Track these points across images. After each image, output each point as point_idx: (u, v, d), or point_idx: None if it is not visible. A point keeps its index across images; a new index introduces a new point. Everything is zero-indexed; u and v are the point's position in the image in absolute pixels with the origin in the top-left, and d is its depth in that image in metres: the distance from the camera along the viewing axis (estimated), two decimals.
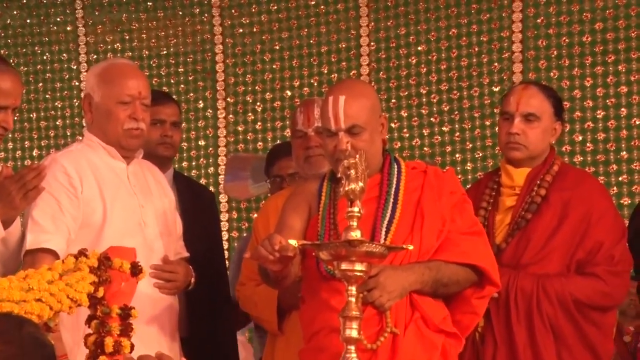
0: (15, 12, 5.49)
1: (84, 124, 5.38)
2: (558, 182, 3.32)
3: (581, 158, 4.51)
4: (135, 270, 2.40)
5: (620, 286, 3.24)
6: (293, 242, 2.67)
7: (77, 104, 5.43)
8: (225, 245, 4.96)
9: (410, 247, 2.77)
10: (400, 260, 2.92)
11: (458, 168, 4.64)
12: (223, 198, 5.14)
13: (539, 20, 4.57)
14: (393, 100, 4.84)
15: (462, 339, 2.94)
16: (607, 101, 4.50)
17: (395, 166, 3.05)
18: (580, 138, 4.52)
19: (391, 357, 2.85)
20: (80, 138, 5.12)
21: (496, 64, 4.64)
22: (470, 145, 4.70)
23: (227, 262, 4.34)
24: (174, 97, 4.45)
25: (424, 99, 4.78)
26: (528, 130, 3.29)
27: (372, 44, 4.88)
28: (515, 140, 3.30)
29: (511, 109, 3.32)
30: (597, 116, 4.51)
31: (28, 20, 5.51)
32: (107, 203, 3.09)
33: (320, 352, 2.91)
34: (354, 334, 2.65)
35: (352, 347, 2.66)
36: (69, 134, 5.46)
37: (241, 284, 3.48)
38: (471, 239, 2.99)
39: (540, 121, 3.29)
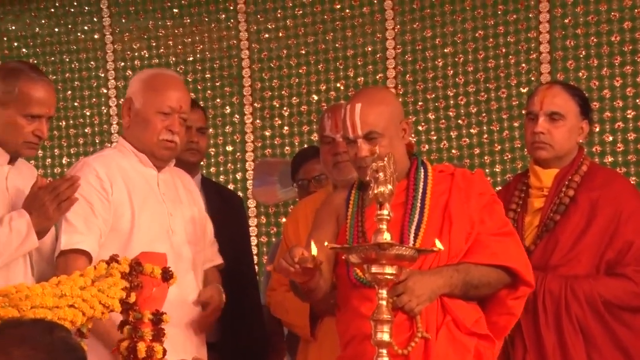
0: (43, 21, 5.53)
1: (113, 131, 5.42)
2: (586, 182, 3.30)
3: (612, 158, 4.47)
4: (167, 275, 2.41)
5: None
6: (314, 250, 2.68)
7: (105, 111, 5.46)
8: (254, 251, 4.96)
9: (441, 248, 2.76)
10: (430, 264, 2.92)
11: (487, 170, 4.62)
12: (251, 203, 5.14)
13: (566, 21, 4.54)
14: (420, 103, 4.82)
15: (496, 341, 2.93)
16: (637, 100, 4.46)
17: (422, 170, 3.05)
18: (611, 138, 4.48)
19: (424, 354, 2.85)
20: (109, 145, 5.19)
21: (524, 65, 4.61)
22: (499, 147, 4.68)
23: (255, 267, 4.35)
24: (200, 103, 4.47)
25: (451, 101, 4.76)
26: (553, 129, 3.28)
27: (398, 47, 4.87)
28: (540, 140, 3.29)
29: (535, 109, 3.32)
30: (628, 116, 4.47)
31: (56, 29, 5.55)
32: (136, 209, 3.11)
33: (355, 359, 2.92)
34: (385, 337, 2.64)
35: (384, 351, 2.65)
36: (97, 141, 5.49)
37: (272, 289, 3.48)
38: (501, 239, 2.98)
39: (565, 120, 3.29)
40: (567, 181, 3.31)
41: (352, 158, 3.03)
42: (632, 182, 3.89)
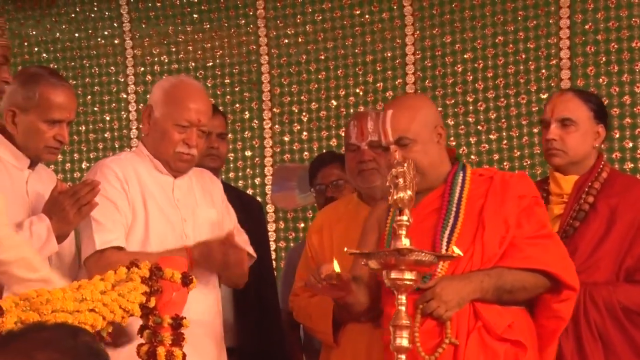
0: (63, 26, 5.56)
1: (132, 136, 5.45)
2: (606, 189, 3.29)
3: (632, 165, 4.45)
4: (186, 280, 2.41)
5: None
6: (336, 267, 2.70)
7: (124, 116, 5.48)
8: (273, 255, 4.96)
9: (460, 254, 2.76)
10: (462, 269, 2.92)
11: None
12: (270, 208, 5.15)
13: (587, 27, 4.52)
14: (439, 109, 4.80)
15: (528, 347, 2.90)
16: None
17: (461, 175, 3.05)
18: (631, 145, 4.46)
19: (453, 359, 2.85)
20: (129, 150, 5.21)
21: (544, 70, 4.60)
22: (518, 153, 4.66)
23: (275, 272, 4.35)
24: (220, 108, 4.47)
25: (471, 107, 4.75)
26: (565, 135, 3.29)
27: (417, 52, 4.87)
28: (553, 147, 3.30)
29: (547, 116, 3.34)
30: None
31: (76, 34, 5.58)
32: (150, 214, 3.12)
33: None
34: (404, 342, 2.65)
35: (403, 357, 2.65)
36: (117, 146, 5.51)
37: (295, 295, 3.48)
38: (539, 242, 2.96)
39: (577, 125, 3.29)
40: (587, 188, 3.30)
41: (386, 165, 3.05)
42: None
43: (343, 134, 3.76)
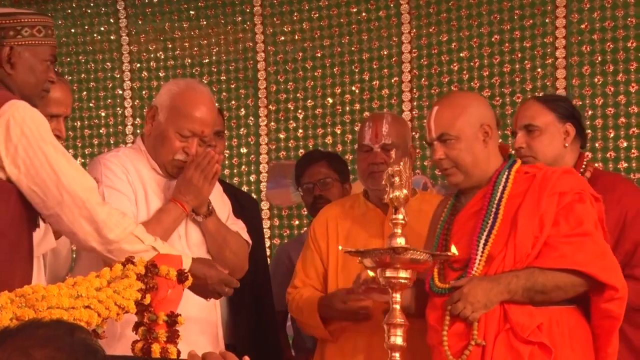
0: (59, 22, 5.55)
1: (127, 132, 5.44)
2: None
3: (626, 164, 4.46)
4: (182, 277, 2.41)
5: None
6: (371, 273, 2.73)
7: (120, 112, 5.48)
8: (267, 252, 4.97)
9: (455, 254, 2.77)
10: (495, 270, 2.91)
11: None
12: (265, 205, 5.15)
13: (582, 26, 4.53)
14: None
15: (552, 350, 2.86)
16: None
17: (505, 174, 3.04)
18: (625, 144, 4.47)
19: None
20: (124, 146, 5.20)
21: (539, 70, 4.61)
22: (513, 151, 4.67)
23: (269, 271, 4.36)
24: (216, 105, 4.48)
25: None
26: (530, 141, 3.36)
27: (413, 50, 4.87)
28: (522, 154, 3.34)
29: (514, 127, 3.43)
30: None
31: (72, 30, 5.58)
32: (151, 211, 3.12)
33: None
34: (398, 341, 2.65)
35: (397, 355, 2.66)
36: (112, 142, 5.51)
37: (293, 287, 3.48)
38: (575, 241, 2.91)
39: (540, 129, 3.35)
40: None
41: (434, 163, 3.12)
42: (637, 185, 3.87)
43: (357, 133, 3.75)
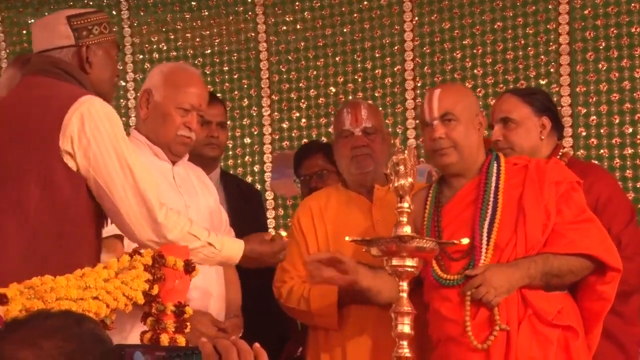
0: None
1: (131, 124, 5.44)
2: None
3: (632, 150, 4.45)
4: (189, 267, 2.42)
5: (631, 270, 3.24)
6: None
7: (123, 104, 5.47)
8: None
9: (466, 242, 2.79)
10: (507, 258, 2.95)
11: None
12: (269, 195, 5.15)
13: (586, 12, 4.52)
14: None
15: (579, 331, 2.93)
16: None
17: (495, 165, 3.08)
18: (631, 130, 4.46)
19: (506, 355, 2.87)
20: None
21: (543, 56, 4.59)
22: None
23: None
24: (218, 95, 4.47)
25: None
26: (507, 133, 3.43)
27: (416, 38, 4.86)
28: (500, 147, 3.40)
29: (491, 120, 3.50)
30: None
31: None
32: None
33: None
34: (405, 329, 2.67)
35: (405, 343, 2.67)
36: None
37: (282, 282, 3.46)
38: (580, 227, 3.00)
39: (517, 122, 3.43)
40: None
41: (428, 146, 3.12)
42: (609, 172, 3.89)
43: (333, 122, 3.75)
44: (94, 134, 2.60)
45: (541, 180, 3.02)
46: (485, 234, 2.95)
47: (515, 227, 2.96)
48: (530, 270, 2.91)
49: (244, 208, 3.84)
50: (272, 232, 2.95)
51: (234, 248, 2.83)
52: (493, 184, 3.04)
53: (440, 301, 2.99)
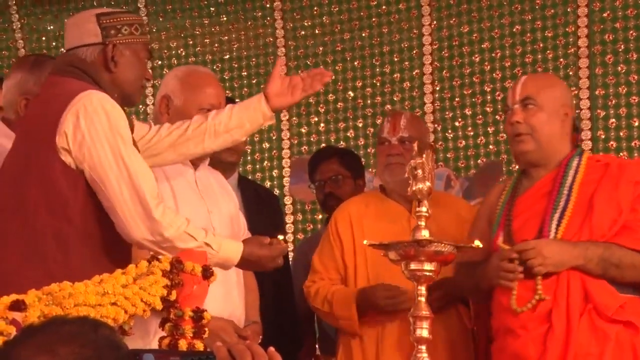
0: None
1: None
2: None
3: None
4: (207, 273, 2.42)
5: None
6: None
7: (142, 109, 5.49)
8: (290, 247, 4.98)
9: (479, 246, 2.77)
10: None
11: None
12: (288, 200, 5.15)
13: (605, 15, 4.49)
14: (457, 99, 4.80)
15: None
16: None
17: (576, 160, 3.06)
18: None
19: (564, 348, 2.85)
20: None
21: (562, 59, 4.57)
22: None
23: (291, 266, 4.37)
24: (237, 101, 4.47)
25: (489, 97, 4.74)
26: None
27: (434, 42, 4.85)
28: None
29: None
30: None
31: None
32: (180, 206, 3.13)
33: (501, 352, 2.97)
34: (424, 333, 2.66)
35: (423, 347, 2.66)
36: None
37: (312, 281, 3.50)
38: None
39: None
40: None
41: (507, 130, 3.12)
42: None
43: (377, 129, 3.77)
44: (89, 128, 2.58)
45: (620, 177, 2.99)
46: (554, 228, 2.94)
47: (582, 223, 2.94)
48: (588, 251, 2.87)
49: (261, 213, 3.84)
50: (280, 237, 2.92)
51: (233, 250, 2.76)
52: (570, 178, 3.01)
53: (502, 292, 2.98)
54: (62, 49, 5.60)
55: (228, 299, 3.17)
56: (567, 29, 4.56)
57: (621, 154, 4.41)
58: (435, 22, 4.84)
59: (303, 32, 5.14)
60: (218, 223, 3.20)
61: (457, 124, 4.77)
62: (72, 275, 2.26)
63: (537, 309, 2.88)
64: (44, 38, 5.65)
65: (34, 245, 2.52)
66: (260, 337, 3.31)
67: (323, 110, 5.11)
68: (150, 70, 5.39)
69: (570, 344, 2.84)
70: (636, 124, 4.42)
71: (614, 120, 4.44)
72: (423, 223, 2.68)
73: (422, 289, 2.68)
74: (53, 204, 2.55)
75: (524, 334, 2.88)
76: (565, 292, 2.88)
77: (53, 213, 2.55)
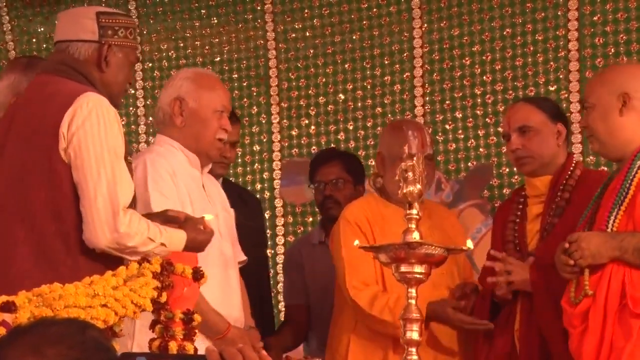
0: None
1: (140, 132, 5.45)
2: (580, 184, 3.40)
3: None
4: (197, 275, 2.42)
5: None
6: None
7: (133, 111, 5.49)
8: (281, 250, 4.98)
9: (470, 247, 2.78)
10: None
11: (515, 169, 4.60)
12: (278, 202, 5.15)
13: (595, 18, 4.51)
14: (447, 102, 4.81)
15: None
16: None
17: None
18: None
19: (599, 341, 2.87)
20: (137, 146, 5.21)
21: (552, 63, 4.58)
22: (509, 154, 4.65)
23: (270, 271, 4.39)
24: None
25: (479, 100, 4.75)
26: (526, 142, 3.43)
27: (425, 45, 4.86)
28: (519, 155, 3.43)
29: (506, 129, 3.52)
30: None
31: None
32: (196, 210, 3.10)
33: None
34: (414, 336, 2.66)
35: (414, 349, 2.66)
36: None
37: (358, 290, 3.43)
38: None
39: (535, 130, 3.43)
40: (561, 185, 3.42)
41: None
42: None
43: (390, 138, 3.73)
44: (78, 130, 2.59)
45: None
46: (611, 221, 2.98)
47: (630, 216, 2.96)
48: (624, 242, 2.90)
49: (245, 216, 3.84)
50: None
51: (178, 241, 2.78)
52: (634, 171, 3.03)
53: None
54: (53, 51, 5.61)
55: (228, 300, 3.17)
56: (557, 32, 4.57)
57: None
58: (425, 25, 4.85)
59: (294, 35, 5.14)
60: (225, 228, 3.22)
61: (447, 126, 4.78)
62: (82, 279, 2.27)
63: (579, 306, 2.92)
64: (34, 40, 5.64)
65: (43, 250, 2.53)
66: (260, 342, 3.32)
67: (314, 112, 5.11)
68: (140, 72, 5.43)
69: (605, 337, 2.87)
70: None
71: None
72: (413, 225, 2.69)
73: (413, 292, 2.68)
74: (59, 208, 2.56)
75: (572, 332, 2.92)
76: (606, 288, 2.92)
77: (60, 217, 2.56)
